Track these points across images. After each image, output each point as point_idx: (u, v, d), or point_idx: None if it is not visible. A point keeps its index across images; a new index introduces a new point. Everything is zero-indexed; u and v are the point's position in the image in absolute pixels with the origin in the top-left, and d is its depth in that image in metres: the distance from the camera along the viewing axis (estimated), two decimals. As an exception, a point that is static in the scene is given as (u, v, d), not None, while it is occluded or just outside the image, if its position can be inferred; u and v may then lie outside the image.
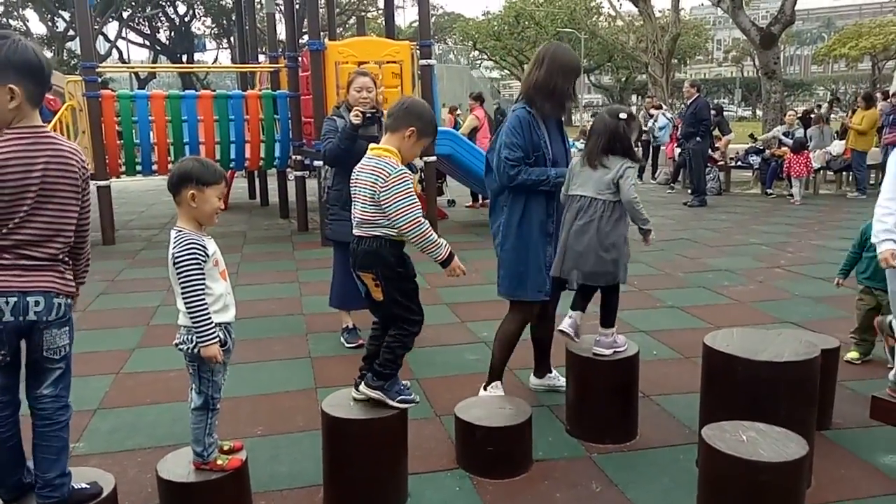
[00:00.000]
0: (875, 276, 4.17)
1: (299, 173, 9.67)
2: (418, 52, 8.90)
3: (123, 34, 35.06)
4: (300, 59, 9.32)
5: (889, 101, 13.79)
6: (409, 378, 4.19)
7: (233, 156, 9.51)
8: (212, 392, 2.62)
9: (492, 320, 5.23)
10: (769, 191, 12.47)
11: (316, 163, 8.40)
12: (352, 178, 2.92)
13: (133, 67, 25.66)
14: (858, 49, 44.27)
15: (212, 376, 2.61)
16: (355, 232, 2.88)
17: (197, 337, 2.49)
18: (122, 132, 9.04)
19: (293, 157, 9.73)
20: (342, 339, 4.80)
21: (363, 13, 29.83)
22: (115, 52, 34.81)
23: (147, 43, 36.53)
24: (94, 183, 8.84)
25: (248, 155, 9.68)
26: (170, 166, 9.32)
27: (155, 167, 9.25)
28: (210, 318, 2.50)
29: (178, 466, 2.63)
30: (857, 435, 3.36)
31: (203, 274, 2.51)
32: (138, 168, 9.19)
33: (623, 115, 3.31)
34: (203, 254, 2.51)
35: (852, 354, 4.27)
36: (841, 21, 67.26)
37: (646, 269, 6.90)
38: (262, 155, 9.81)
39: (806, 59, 72.88)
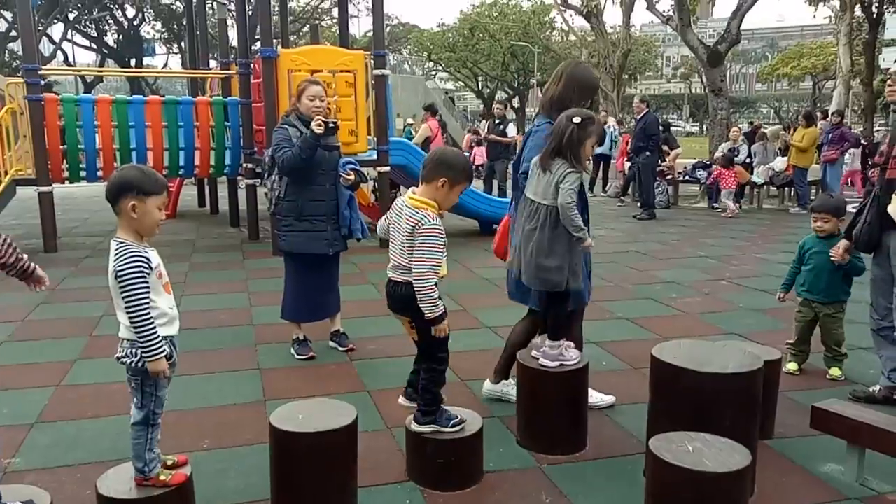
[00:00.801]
0: (813, 289, 4.33)
1: (250, 181, 9.54)
2: (372, 61, 8.88)
3: (69, 36, 34.10)
4: (252, 65, 9.21)
5: (829, 119, 14.33)
6: (361, 390, 4.15)
7: (182, 163, 9.33)
8: (154, 407, 2.55)
9: (444, 331, 5.23)
10: (715, 205, 12.81)
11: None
12: (390, 218, 3.09)
13: (79, 70, 24.88)
14: (800, 69, 45.96)
15: (155, 391, 2.53)
16: (391, 275, 3.04)
17: (143, 352, 2.42)
18: (66, 137, 8.78)
19: (244, 164, 9.59)
20: (292, 351, 4.72)
21: (317, 21, 29.66)
22: (60, 55, 33.83)
23: (94, 46, 35.60)
24: (36, 189, 8.60)
25: (197, 162, 9.50)
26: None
27: (100, 173, 8.99)
28: (157, 331, 2.42)
29: (119, 482, 2.55)
30: (797, 444, 3.46)
31: (148, 287, 2.43)
32: (83, 174, 8.93)
33: (577, 119, 3.24)
34: (147, 266, 2.44)
35: (791, 366, 4.37)
36: (784, 41, 69.74)
37: (596, 280, 6.97)
38: (213, 162, 9.65)
39: (751, 77, 75.22)
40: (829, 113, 15.45)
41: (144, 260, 2.43)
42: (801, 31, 72.45)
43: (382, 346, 4.91)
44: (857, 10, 23.56)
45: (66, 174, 8.89)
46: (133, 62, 33.94)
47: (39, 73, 8.60)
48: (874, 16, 22.71)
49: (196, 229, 10.47)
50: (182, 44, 31.35)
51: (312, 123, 4.33)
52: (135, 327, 2.40)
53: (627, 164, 13.60)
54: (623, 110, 30.15)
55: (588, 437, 3.46)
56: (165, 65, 39.41)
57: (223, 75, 10.59)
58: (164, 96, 9.88)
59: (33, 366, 4.56)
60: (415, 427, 3.06)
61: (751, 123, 20.66)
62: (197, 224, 11.00)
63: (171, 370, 2.55)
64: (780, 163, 13.21)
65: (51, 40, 33.14)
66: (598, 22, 26.31)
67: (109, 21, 34.71)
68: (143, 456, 2.54)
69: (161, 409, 2.59)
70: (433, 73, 54.39)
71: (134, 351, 2.46)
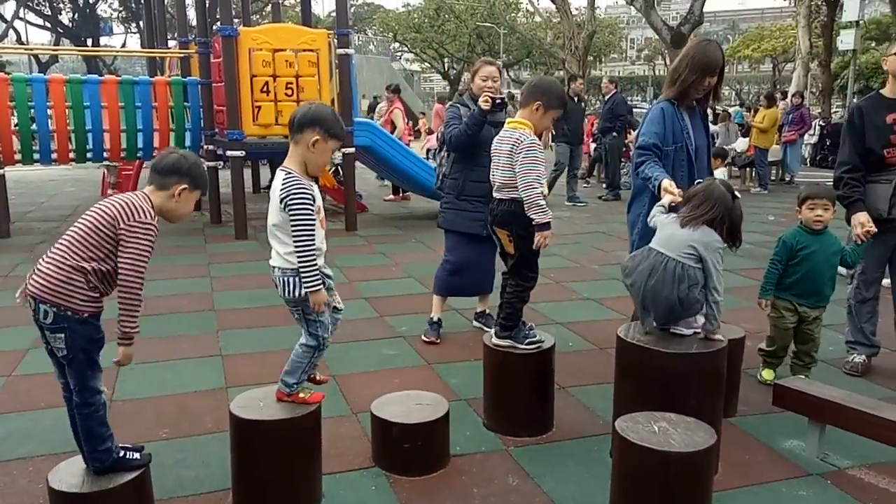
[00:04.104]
0: (805, 293, 3.77)
1: (212, 163, 9.33)
2: (336, 40, 8.71)
3: (22, 14, 32.97)
4: (212, 45, 8.97)
5: (788, 101, 14.53)
6: (325, 374, 4.08)
7: (140, 145, 9.08)
8: (321, 332, 2.72)
9: (410, 314, 5.18)
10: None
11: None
12: (493, 147, 3.40)
13: (32, 49, 24.04)
14: (760, 51, 46.47)
15: (318, 317, 2.69)
16: (495, 194, 3.36)
17: (304, 282, 2.59)
18: (18, 118, 8.48)
19: (205, 146, 9.37)
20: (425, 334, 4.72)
21: (280, 0, 29.10)
22: (12, 34, 32.71)
23: (48, 25, 34.47)
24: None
25: (156, 144, 9.24)
26: (71, 154, 8.84)
27: (55, 156, 8.71)
28: (316, 263, 2.59)
29: (71, 475, 2.46)
30: (760, 421, 3.49)
31: (314, 219, 2.58)
32: (36, 157, 8.64)
33: (739, 194, 3.06)
34: (311, 199, 2.58)
35: (767, 374, 3.93)
36: (744, 24, 70.38)
37: (562, 261, 7.00)
38: (172, 144, 9.40)
39: (713, 59, 75.66)
40: (790, 95, 15.66)
41: (310, 193, 2.59)
42: (762, 13, 73.17)
43: (348, 330, 4.84)
44: (817, -7, 23.87)
45: (19, 156, 8.59)
46: (90, 41, 32.95)
47: (-13, 51, 8.26)
48: (832, -2, 22.99)
49: (156, 213, 10.22)
50: (140, 23, 30.53)
51: (480, 99, 4.35)
52: (299, 257, 2.57)
53: (593, 146, 13.62)
54: (588, 92, 30.20)
55: (555, 418, 3.45)
56: (124, 44, 38.39)
57: (182, 55, 10.30)
58: (120, 76, 9.58)
59: (-16, 355, 4.41)
60: (495, 340, 3.32)
61: (713, 109, 20.81)
62: (157, 208, 10.74)
63: (330, 294, 2.76)
64: (741, 144, 13.36)
65: (2, 19, 32.02)
66: (563, 3, 26.27)
67: (64, -1, 33.65)
68: (299, 374, 2.73)
69: (328, 333, 2.75)
70: (398, 54, 53.94)
71: (287, 280, 2.63)
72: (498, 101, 4.35)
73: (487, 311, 4.88)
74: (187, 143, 9.46)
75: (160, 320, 5.08)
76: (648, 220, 3.20)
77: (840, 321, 4.90)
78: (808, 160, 16.01)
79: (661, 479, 2.33)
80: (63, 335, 2.41)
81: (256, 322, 5.01)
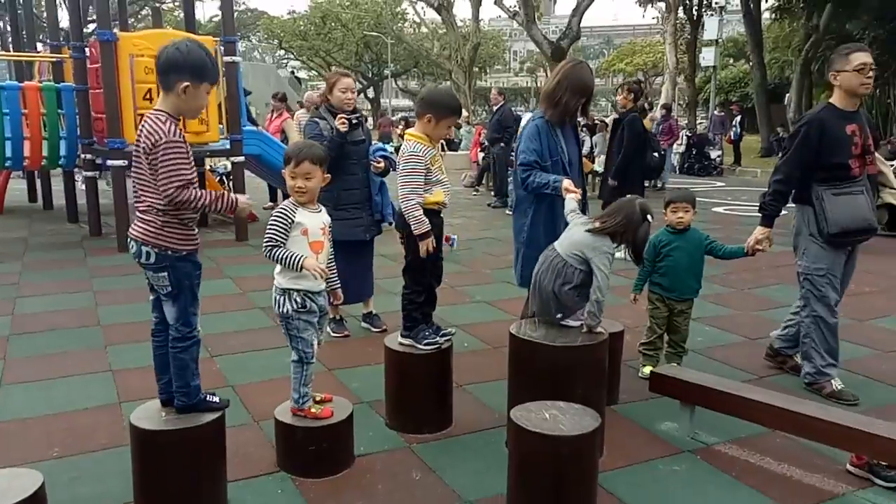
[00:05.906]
0: (672, 287, 4.10)
1: (90, 173, 8.93)
2: (222, 48, 8.57)
3: None
4: (89, 49, 8.59)
5: (657, 112, 15.54)
6: (224, 386, 4.06)
7: (9, 154, 8.56)
8: (303, 347, 2.97)
9: (307, 322, 5.20)
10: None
11: (113, 162, 7.84)
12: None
13: None
14: (633, 65, 49.18)
15: (298, 333, 2.96)
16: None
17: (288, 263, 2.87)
18: None
19: (83, 156, 8.95)
20: (328, 329, 4.76)
21: (159, 4, 27.99)
22: None
23: None
24: None
25: (27, 153, 8.75)
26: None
27: None
28: (277, 252, 2.85)
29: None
30: (639, 407, 3.80)
31: (278, 231, 2.86)
32: None
33: (651, 218, 3.21)
34: (288, 219, 2.87)
35: (647, 370, 4.00)
36: (618, 39, 74.15)
37: (456, 266, 7.21)
38: (45, 153, 8.91)
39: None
40: (659, 106, 16.75)
41: (287, 215, 2.88)
42: (633, 29, 77.28)
43: (243, 340, 4.83)
44: (681, 12, 25.62)
45: None
46: (-58, 43, 30.33)
47: None
48: (695, 17, 24.78)
49: (28, 226, 9.65)
50: (5, 24, 28.44)
51: (336, 122, 4.41)
52: (266, 255, 2.88)
53: (481, 155, 14.00)
54: (475, 102, 30.93)
55: (453, 414, 3.61)
56: (-18, 46, 35.58)
57: (54, 59, 9.79)
58: (-17, 81, 9.00)
59: None
60: (399, 339, 3.50)
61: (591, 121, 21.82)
62: (28, 220, 10.14)
63: (312, 317, 2.98)
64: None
65: None
66: (448, 15, 26.83)
67: None
68: (299, 389, 3.01)
69: (311, 349, 3.00)
70: (284, 61, 53.05)
71: (276, 297, 2.93)
72: (354, 121, 4.54)
73: (374, 311, 5.07)
74: (62, 151, 9.02)
75: (41, 338, 4.86)
76: (568, 212, 3.47)
77: (706, 314, 5.38)
78: (676, 168, 17.14)
79: (553, 460, 2.53)
80: (165, 273, 2.62)
81: (147, 336, 4.86)
